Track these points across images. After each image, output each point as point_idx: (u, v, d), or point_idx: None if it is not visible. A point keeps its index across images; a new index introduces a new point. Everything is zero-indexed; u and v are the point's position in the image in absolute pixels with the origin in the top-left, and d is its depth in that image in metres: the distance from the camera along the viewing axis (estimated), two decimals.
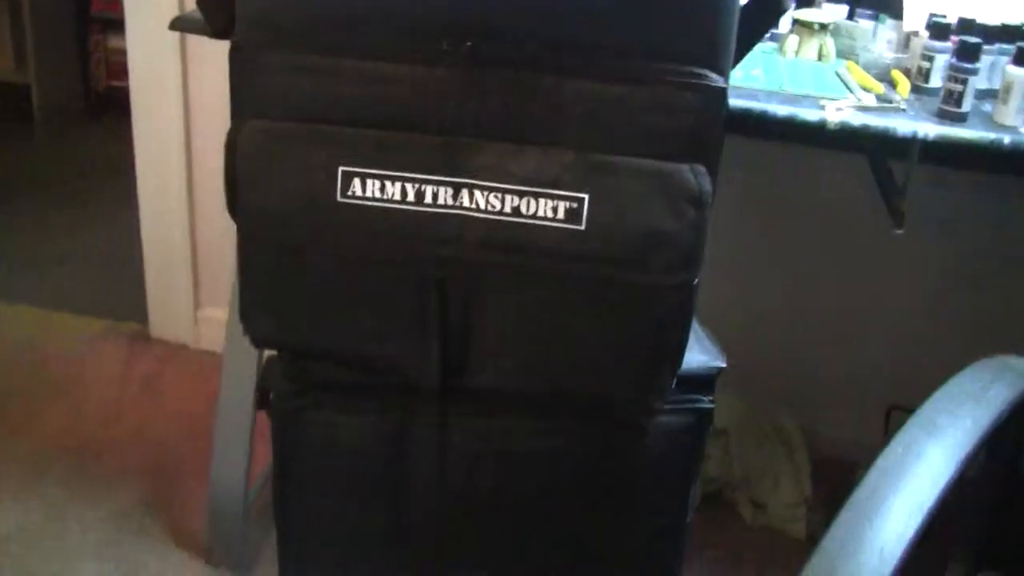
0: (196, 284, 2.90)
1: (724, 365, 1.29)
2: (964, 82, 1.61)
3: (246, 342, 1.27)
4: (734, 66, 1.16)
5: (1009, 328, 2.35)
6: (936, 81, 1.74)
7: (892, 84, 1.80)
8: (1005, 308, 2.38)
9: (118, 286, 3.10)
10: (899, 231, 1.77)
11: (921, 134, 1.59)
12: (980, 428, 1.17)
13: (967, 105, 1.63)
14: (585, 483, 1.30)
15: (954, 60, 1.65)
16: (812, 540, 2.36)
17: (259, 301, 1.19)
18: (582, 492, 1.30)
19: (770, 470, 2.43)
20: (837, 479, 2.48)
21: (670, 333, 1.17)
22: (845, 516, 1.05)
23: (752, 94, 1.65)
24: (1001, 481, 1.41)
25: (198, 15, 1.25)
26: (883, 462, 1.11)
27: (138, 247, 2.89)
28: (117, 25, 3.39)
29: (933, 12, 1.85)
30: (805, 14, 1.89)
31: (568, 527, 1.33)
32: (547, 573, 1.37)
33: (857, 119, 1.60)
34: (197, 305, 2.91)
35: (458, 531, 1.32)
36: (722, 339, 1.42)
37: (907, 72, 1.83)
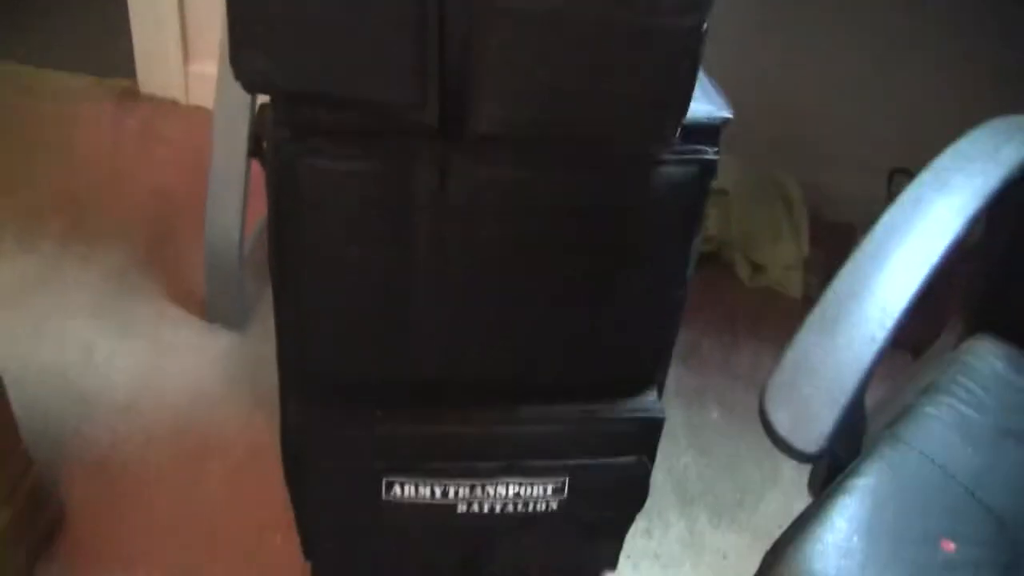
0: (185, 38, 2.82)
1: (730, 115, 1.26)
2: None
3: (238, 90, 1.23)
4: None
5: (1021, 92, 2.31)
6: None
7: None
8: (1016, 73, 2.34)
9: (105, 41, 3.02)
10: None
11: None
12: (990, 186, 1.16)
13: None
14: (587, 228, 1.28)
15: None
16: (808, 301, 2.37)
17: (250, 42, 1.14)
18: (584, 237, 1.29)
19: (769, 230, 2.43)
20: (835, 241, 2.48)
21: (677, 77, 1.13)
22: (850, 268, 1.04)
23: None
24: (1003, 244, 1.40)
25: None
26: (890, 217, 1.10)
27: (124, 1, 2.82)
28: None
29: None
30: None
31: (569, 274, 1.32)
32: (549, 322, 1.37)
33: None
34: (187, 60, 2.85)
35: (458, 279, 1.31)
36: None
37: None
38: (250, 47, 1.13)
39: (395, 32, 1.11)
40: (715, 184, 1.32)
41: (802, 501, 1.89)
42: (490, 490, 1.45)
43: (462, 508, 1.46)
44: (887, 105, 2.49)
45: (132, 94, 2.93)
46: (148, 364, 2.05)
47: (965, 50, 2.37)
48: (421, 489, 1.44)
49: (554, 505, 1.48)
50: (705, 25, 1.10)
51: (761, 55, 2.47)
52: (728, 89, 1.33)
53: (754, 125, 2.43)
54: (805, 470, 1.21)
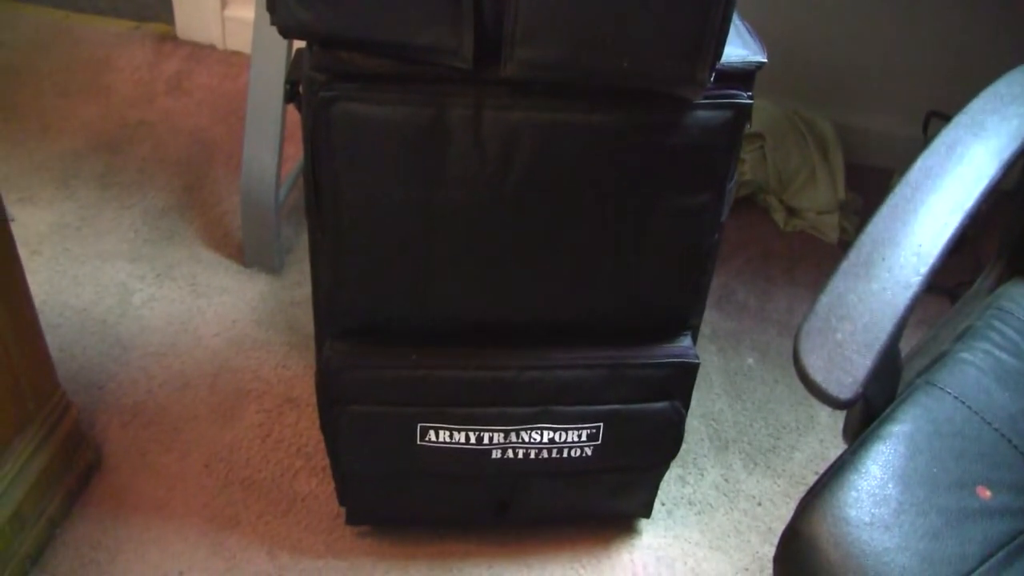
0: None
1: (764, 60, 1.25)
2: None
3: (274, 36, 1.23)
4: None
5: None
6: None
7: None
8: None
9: None
10: None
11: None
12: None
13: None
14: (619, 172, 1.28)
15: None
16: (844, 245, 2.36)
17: None
18: (617, 181, 1.29)
19: (804, 174, 2.41)
20: (871, 186, 2.47)
21: (710, 20, 1.12)
22: (885, 213, 1.03)
23: None
24: None
25: None
26: (925, 161, 1.09)
27: None
28: None
29: None
30: None
31: (602, 218, 1.32)
32: (581, 266, 1.36)
33: None
34: (224, 5, 2.85)
35: (491, 222, 1.31)
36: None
37: None
38: None
39: None
40: (750, 128, 1.31)
41: (836, 447, 1.89)
42: (524, 436, 1.45)
43: (496, 454, 1.47)
44: (923, 48, 2.47)
45: (170, 38, 2.93)
46: (185, 308, 2.06)
47: None
48: (455, 434, 1.44)
49: (588, 451, 1.48)
50: None
51: None
52: (763, 33, 1.31)
53: (790, 69, 2.41)
54: (840, 416, 1.20)
